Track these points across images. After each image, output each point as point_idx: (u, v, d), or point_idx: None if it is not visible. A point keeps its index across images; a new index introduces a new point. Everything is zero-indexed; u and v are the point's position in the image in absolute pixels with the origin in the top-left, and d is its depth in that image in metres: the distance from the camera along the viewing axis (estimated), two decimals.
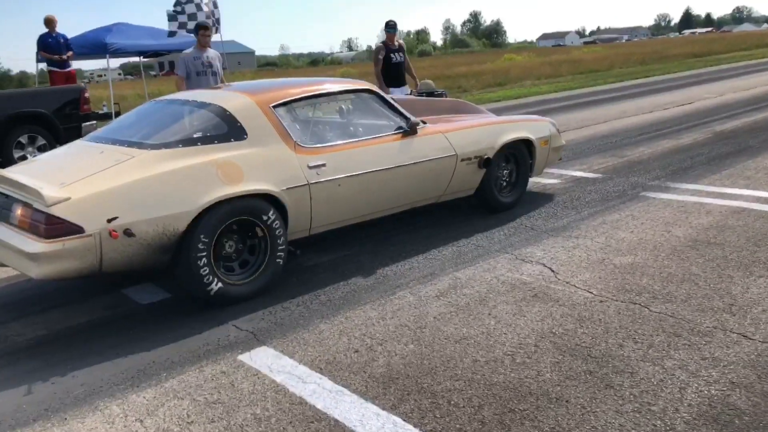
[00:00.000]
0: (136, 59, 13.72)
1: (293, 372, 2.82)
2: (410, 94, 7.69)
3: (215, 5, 10.10)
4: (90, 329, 3.44)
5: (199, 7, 9.92)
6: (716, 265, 3.82)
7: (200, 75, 6.59)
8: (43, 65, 10.94)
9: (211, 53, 6.73)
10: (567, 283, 3.68)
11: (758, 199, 5.12)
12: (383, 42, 8.08)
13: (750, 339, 2.91)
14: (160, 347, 3.12)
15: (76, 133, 8.89)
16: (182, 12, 10.03)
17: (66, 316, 3.63)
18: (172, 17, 10.15)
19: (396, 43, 7.98)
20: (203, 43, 6.66)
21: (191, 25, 10.02)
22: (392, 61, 7.91)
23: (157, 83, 38.95)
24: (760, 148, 7.17)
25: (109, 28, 11.62)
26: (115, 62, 12.52)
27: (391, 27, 7.93)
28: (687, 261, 3.92)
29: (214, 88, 5.06)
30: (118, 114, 10.98)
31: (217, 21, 10.24)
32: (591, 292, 3.53)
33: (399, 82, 7.92)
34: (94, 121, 9.63)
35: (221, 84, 6.24)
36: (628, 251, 4.14)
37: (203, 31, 6.64)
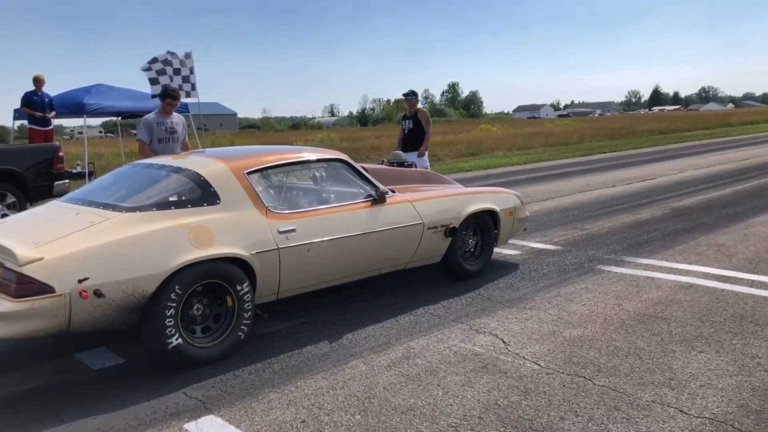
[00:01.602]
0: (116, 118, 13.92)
1: None
2: (382, 163, 7.93)
3: (191, 71, 10.37)
4: (37, 394, 3.41)
5: (168, 62, 10.11)
6: (661, 340, 3.94)
7: (162, 141, 6.44)
8: (24, 122, 11.09)
9: (176, 118, 6.59)
10: (517, 354, 3.76)
11: (706, 276, 5.32)
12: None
13: (686, 414, 3.00)
14: (105, 414, 3.11)
15: (47, 192, 8.94)
16: (151, 69, 10.21)
17: (14, 380, 3.60)
18: (153, 81, 10.35)
19: (412, 111, 8.38)
20: (168, 111, 6.50)
21: (163, 79, 10.21)
22: (402, 128, 8.45)
23: (136, 142, 39.23)
24: (712, 225, 7.46)
25: (88, 89, 11.83)
26: (97, 120, 12.61)
27: (405, 95, 8.47)
28: (634, 335, 4.04)
29: (189, 154, 5.19)
30: (92, 174, 11.05)
31: (194, 86, 10.49)
32: (539, 365, 3.61)
33: (407, 149, 8.25)
34: (67, 180, 9.67)
35: (196, 149, 6.35)
36: (579, 324, 4.26)
37: (170, 100, 6.44)
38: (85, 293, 3.23)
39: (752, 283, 5.08)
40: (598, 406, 3.09)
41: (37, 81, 10.58)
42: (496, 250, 5.87)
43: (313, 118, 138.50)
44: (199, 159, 4.53)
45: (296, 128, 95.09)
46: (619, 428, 2.88)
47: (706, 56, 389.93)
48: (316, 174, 5.15)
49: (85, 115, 10.98)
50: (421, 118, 8.24)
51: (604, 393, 3.24)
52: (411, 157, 8.14)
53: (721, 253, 6.10)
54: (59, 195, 8.85)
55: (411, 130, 8.30)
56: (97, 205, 3.92)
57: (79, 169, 10.36)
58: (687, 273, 5.42)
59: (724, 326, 4.15)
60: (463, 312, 4.57)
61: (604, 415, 3.01)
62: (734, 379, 3.37)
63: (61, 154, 9.26)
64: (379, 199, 4.70)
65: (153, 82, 10.25)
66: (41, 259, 3.21)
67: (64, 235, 3.45)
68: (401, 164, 6.79)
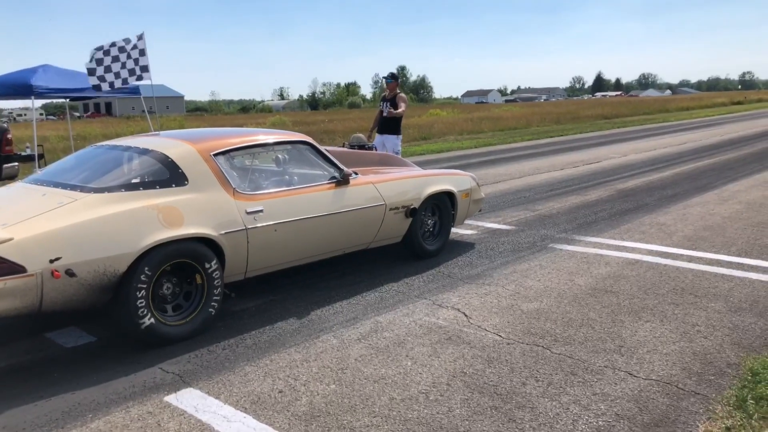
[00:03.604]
0: (59, 100, 13.49)
1: (218, 412, 2.94)
2: (343, 146, 8.05)
3: (143, 52, 10.13)
4: (11, 373, 3.43)
5: (116, 59, 9.83)
6: (611, 311, 4.23)
7: None
8: None
9: None
10: (478, 327, 3.98)
11: (650, 252, 5.67)
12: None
13: (635, 376, 3.27)
14: (84, 389, 3.17)
15: None
16: (97, 67, 9.86)
17: None
18: (90, 71, 10.03)
19: (391, 94, 8.73)
20: None
21: (109, 77, 9.93)
22: (380, 109, 8.79)
23: (81, 124, 38.00)
24: (654, 205, 7.89)
25: (34, 69, 11.38)
26: (37, 102, 12.10)
27: (385, 77, 8.84)
28: (586, 307, 4.31)
29: (155, 135, 5.16)
30: (41, 156, 10.73)
31: (145, 68, 10.27)
32: (500, 335, 3.83)
33: (384, 131, 8.72)
34: (16, 163, 9.41)
35: (150, 132, 6.25)
36: (535, 298, 4.51)
37: None
38: (57, 273, 3.26)
39: (691, 259, 5.45)
40: (557, 372, 3.33)
41: None
42: (453, 229, 6.09)
43: (263, 101, 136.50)
44: (164, 141, 4.54)
45: (245, 111, 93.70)
46: (576, 391, 3.13)
47: (645, 44, 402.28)
48: (280, 156, 5.23)
49: (33, 97, 10.61)
50: (399, 100, 8.63)
51: (561, 360, 3.48)
52: (387, 139, 8.44)
53: (663, 231, 6.48)
54: (8, 178, 8.63)
55: (383, 113, 8.54)
56: (64, 186, 3.92)
57: (28, 151, 10.08)
58: (632, 250, 5.76)
59: (666, 298, 4.48)
60: (426, 288, 4.77)
61: (562, 379, 3.25)
62: (677, 345, 3.67)
63: (9, 136, 9.03)
64: (343, 180, 4.82)
65: (90, 72, 9.92)
66: (11, 239, 3.22)
67: (34, 216, 3.45)
68: (362, 147, 6.92)
